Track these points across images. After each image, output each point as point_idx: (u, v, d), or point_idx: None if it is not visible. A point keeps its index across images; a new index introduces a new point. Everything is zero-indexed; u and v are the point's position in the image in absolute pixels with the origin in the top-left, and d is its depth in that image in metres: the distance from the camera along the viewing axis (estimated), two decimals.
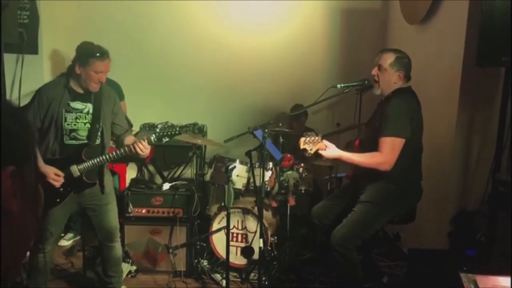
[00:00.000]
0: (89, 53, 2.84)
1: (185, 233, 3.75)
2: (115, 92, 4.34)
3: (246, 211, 3.70)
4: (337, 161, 3.14)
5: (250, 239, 3.69)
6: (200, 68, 4.98)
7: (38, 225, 0.68)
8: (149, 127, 4.53)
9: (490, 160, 3.05)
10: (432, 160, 3.30)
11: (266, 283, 3.49)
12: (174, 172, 4.89)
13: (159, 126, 4.53)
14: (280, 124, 4.15)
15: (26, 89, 4.02)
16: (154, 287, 3.64)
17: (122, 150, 2.89)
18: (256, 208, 3.64)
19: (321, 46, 5.03)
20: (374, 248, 3.69)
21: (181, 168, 4.86)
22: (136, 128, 4.20)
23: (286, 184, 3.76)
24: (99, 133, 2.97)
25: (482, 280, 1.87)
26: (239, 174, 3.75)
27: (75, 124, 2.90)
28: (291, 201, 3.67)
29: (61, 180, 2.82)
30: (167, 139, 2.99)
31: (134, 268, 3.75)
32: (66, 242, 4.34)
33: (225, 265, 3.35)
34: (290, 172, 3.81)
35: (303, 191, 3.83)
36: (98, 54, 2.82)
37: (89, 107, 2.94)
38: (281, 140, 4.10)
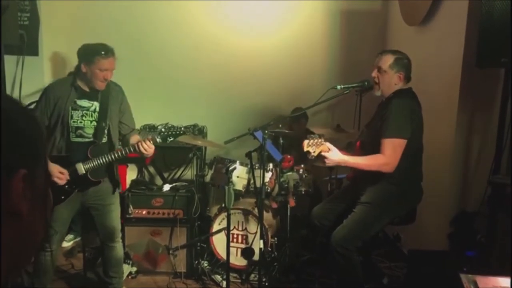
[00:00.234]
0: (93, 51, 2.87)
1: (185, 234, 3.75)
2: None
3: (246, 212, 3.71)
4: None
5: (250, 240, 3.69)
6: (200, 69, 4.99)
7: (46, 226, 0.68)
8: (149, 128, 4.54)
9: (490, 161, 3.05)
10: (432, 161, 3.30)
11: (267, 284, 3.49)
12: (175, 173, 4.89)
13: (159, 127, 4.56)
14: (280, 125, 4.16)
15: (26, 91, 4.03)
16: None
17: (127, 149, 2.91)
18: (256, 209, 3.65)
19: (321, 47, 5.03)
20: (374, 249, 3.69)
21: (182, 169, 4.85)
22: (137, 129, 4.20)
23: (286, 185, 3.76)
24: (105, 131, 2.99)
25: (482, 280, 1.87)
26: (239, 175, 3.76)
27: (81, 122, 2.92)
28: (291, 202, 3.67)
29: (65, 178, 2.83)
30: (171, 139, 3.02)
31: (134, 269, 3.76)
32: (66, 243, 4.34)
33: (225, 266, 3.35)
34: (290, 173, 3.82)
35: (303, 192, 3.83)
36: (102, 52, 2.85)
37: (95, 105, 2.97)
38: (281, 141, 4.10)
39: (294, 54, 5.00)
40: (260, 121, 3.86)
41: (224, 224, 3.59)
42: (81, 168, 2.88)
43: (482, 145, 3.37)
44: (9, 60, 3.84)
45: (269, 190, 3.75)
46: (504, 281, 1.89)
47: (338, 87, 3.12)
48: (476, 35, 2.90)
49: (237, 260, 3.72)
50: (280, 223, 4.00)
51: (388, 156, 2.77)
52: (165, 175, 4.87)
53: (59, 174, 2.80)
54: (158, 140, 2.95)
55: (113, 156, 2.91)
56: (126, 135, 3.14)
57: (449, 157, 3.47)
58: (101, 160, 2.90)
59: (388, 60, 2.91)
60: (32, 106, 3.12)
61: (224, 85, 5.03)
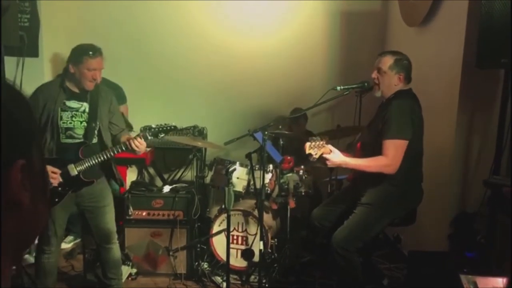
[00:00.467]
0: (81, 51, 2.87)
1: (185, 236, 3.75)
2: (117, 94, 4.39)
3: (246, 214, 3.70)
4: None
5: (250, 242, 3.69)
6: (200, 70, 4.99)
7: (47, 212, 0.68)
8: (149, 130, 4.53)
9: (489, 161, 3.05)
10: (432, 162, 3.30)
11: (267, 285, 3.49)
12: (175, 174, 4.89)
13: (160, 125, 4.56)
14: (280, 126, 4.16)
15: (26, 92, 4.02)
16: None
17: (118, 148, 2.91)
18: (256, 211, 3.64)
19: (321, 48, 5.03)
20: (374, 250, 3.69)
21: (182, 170, 4.85)
22: (136, 130, 4.20)
23: (286, 186, 3.76)
24: (96, 132, 2.98)
25: (482, 281, 1.87)
26: (239, 176, 3.76)
27: (70, 123, 2.91)
28: (291, 203, 3.67)
29: (58, 178, 2.82)
30: (162, 135, 3.04)
31: (134, 270, 3.75)
32: (66, 244, 4.34)
33: (225, 268, 3.35)
34: (290, 174, 3.82)
35: (303, 193, 3.83)
36: (90, 52, 2.85)
37: (85, 106, 2.95)
38: (281, 142, 4.10)
39: (294, 55, 5.00)
40: (260, 122, 3.86)
41: (224, 225, 3.59)
42: (73, 169, 2.86)
43: (482, 146, 3.37)
44: (9, 62, 3.84)
45: (269, 191, 3.75)
46: (503, 281, 1.89)
47: (338, 88, 3.12)
48: (476, 36, 2.90)
49: (237, 261, 3.72)
50: (280, 224, 4.00)
51: (390, 157, 2.77)
52: (165, 176, 4.87)
53: (51, 174, 2.79)
54: (150, 137, 2.95)
55: (104, 156, 2.91)
56: (116, 135, 3.12)
57: (449, 158, 3.47)
58: (93, 160, 2.89)
59: (388, 61, 2.91)
60: None
61: (224, 86, 5.03)
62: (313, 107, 3.25)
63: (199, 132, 4.59)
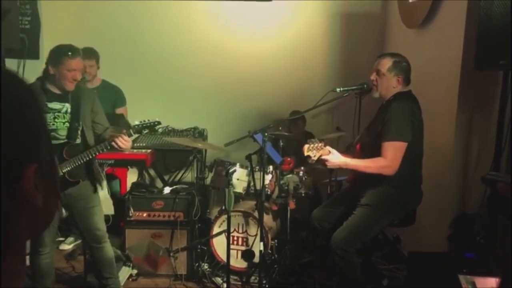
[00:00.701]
0: (60, 52, 2.86)
1: (185, 237, 3.76)
2: (117, 97, 4.41)
3: (246, 215, 3.71)
4: None
5: (250, 243, 3.70)
6: (201, 72, 5.00)
7: (58, 200, 0.69)
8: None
9: (489, 162, 3.06)
10: (431, 163, 3.31)
11: (267, 286, 3.50)
12: (175, 176, 4.90)
13: (160, 130, 4.58)
14: (280, 128, 4.17)
15: None
16: None
17: (103, 146, 2.90)
18: (256, 212, 3.65)
19: (320, 50, 5.05)
20: (374, 251, 3.69)
21: (182, 172, 4.86)
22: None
23: (286, 187, 3.77)
24: (79, 132, 2.97)
25: (480, 281, 1.88)
26: (239, 177, 3.77)
27: (53, 124, 2.90)
28: (291, 205, 3.68)
29: None
30: (146, 131, 3.04)
31: (135, 271, 3.76)
32: (67, 246, 4.35)
33: (225, 269, 3.36)
34: (290, 175, 3.83)
35: (303, 195, 3.84)
36: (69, 53, 2.83)
37: (67, 106, 2.94)
38: (281, 143, 4.11)
39: (294, 57, 5.01)
40: (260, 124, 3.87)
41: (224, 226, 3.60)
42: (59, 170, 2.87)
43: (481, 147, 3.38)
44: (10, 64, 3.84)
45: (269, 193, 3.76)
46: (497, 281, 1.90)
47: (338, 89, 3.14)
48: (475, 38, 2.91)
49: (237, 262, 3.72)
50: (280, 225, 4.00)
51: (389, 159, 2.78)
52: (166, 177, 4.88)
53: None
54: (134, 134, 2.97)
55: (89, 155, 2.90)
56: (100, 134, 3.10)
57: (448, 159, 3.48)
58: (78, 161, 2.88)
59: (386, 63, 2.92)
60: None
61: (224, 88, 5.05)
62: (312, 109, 3.26)
63: (199, 134, 4.61)
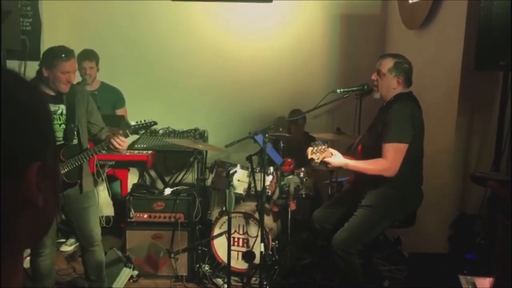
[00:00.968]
0: (53, 54, 2.85)
1: (186, 238, 3.76)
2: (116, 98, 4.42)
3: (247, 216, 3.72)
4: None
5: (251, 244, 3.70)
6: (201, 74, 5.01)
7: (58, 203, 0.68)
8: (150, 133, 4.55)
9: (489, 163, 3.06)
10: (431, 164, 3.31)
11: (267, 287, 3.50)
12: (176, 177, 4.91)
13: (161, 131, 4.59)
14: (281, 129, 4.18)
15: None
16: None
17: (100, 147, 2.91)
18: (257, 213, 3.65)
19: (321, 51, 5.05)
20: (375, 252, 3.69)
21: (183, 173, 4.87)
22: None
23: (286, 188, 3.77)
24: (75, 133, 2.97)
25: (480, 282, 1.88)
26: (240, 178, 3.77)
27: None
28: (292, 206, 3.68)
29: None
30: (143, 131, 3.04)
31: (136, 273, 3.76)
32: (68, 247, 4.36)
33: (226, 270, 3.37)
34: (290, 176, 3.83)
35: (303, 196, 3.84)
36: (63, 55, 2.82)
37: (62, 108, 2.94)
38: (282, 144, 4.12)
39: (294, 58, 5.02)
40: (260, 125, 3.88)
41: (225, 227, 3.60)
42: None
43: (481, 148, 3.38)
44: (11, 65, 3.86)
45: (269, 194, 3.76)
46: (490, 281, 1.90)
47: (338, 91, 3.15)
48: (475, 38, 2.92)
49: (238, 263, 3.72)
50: (281, 226, 4.00)
51: (389, 160, 2.79)
52: (166, 179, 4.88)
53: None
54: (130, 134, 2.96)
55: (86, 156, 2.91)
56: (96, 134, 3.11)
57: (448, 160, 3.48)
58: (75, 162, 2.89)
59: (387, 64, 2.93)
60: None
61: (224, 89, 5.05)
62: (313, 110, 3.27)
63: (200, 135, 4.61)
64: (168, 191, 3.90)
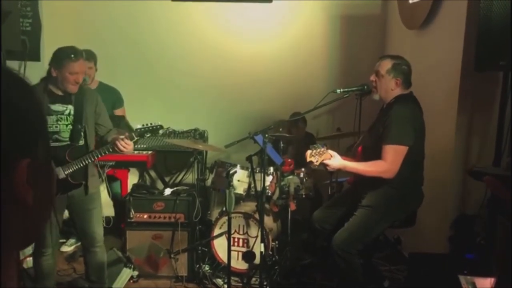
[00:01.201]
0: (62, 55, 2.84)
1: (186, 238, 3.76)
2: (114, 98, 4.42)
3: (247, 216, 3.72)
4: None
5: (251, 244, 3.70)
6: (201, 74, 5.01)
7: (52, 205, 0.68)
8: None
9: (489, 163, 3.06)
10: (431, 164, 3.31)
11: (268, 287, 3.50)
12: (176, 177, 4.90)
13: (160, 131, 4.58)
14: (281, 129, 4.17)
15: None
16: None
17: (105, 149, 2.91)
18: (257, 213, 3.65)
19: (321, 51, 5.05)
20: (375, 252, 3.69)
21: (183, 173, 4.87)
22: None
23: (286, 189, 3.77)
24: (82, 134, 2.97)
25: (480, 281, 1.88)
26: (240, 179, 3.77)
27: (56, 127, 2.90)
28: (292, 206, 3.68)
29: None
30: (149, 134, 3.04)
31: (136, 273, 3.76)
32: (68, 247, 4.36)
33: (226, 270, 3.36)
34: (290, 177, 3.83)
35: (303, 196, 3.84)
36: (72, 56, 2.81)
37: (70, 108, 2.94)
38: (282, 145, 4.12)
39: (294, 58, 5.02)
40: (260, 125, 3.88)
41: (225, 228, 3.60)
42: (61, 172, 2.86)
43: (481, 148, 3.38)
44: (11, 66, 3.85)
45: (269, 194, 3.76)
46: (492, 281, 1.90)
47: (338, 91, 3.15)
48: (474, 39, 2.92)
49: (238, 263, 3.72)
50: (281, 226, 4.00)
51: (389, 162, 2.79)
52: (166, 179, 4.88)
53: None
54: (136, 137, 2.97)
55: (92, 157, 2.91)
56: (103, 136, 3.11)
57: (449, 160, 3.48)
58: (80, 163, 2.89)
59: (386, 65, 2.93)
60: None
61: (224, 89, 5.05)
62: (313, 110, 3.27)
63: (200, 135, 4.61)
64: (168, 191, 3.90)
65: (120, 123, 4.15)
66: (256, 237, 3.66)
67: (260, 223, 3.37)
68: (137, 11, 4.90)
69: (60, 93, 2.92)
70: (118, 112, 4.41)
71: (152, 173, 4.97)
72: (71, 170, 2.88)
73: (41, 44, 4.28)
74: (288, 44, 5.00)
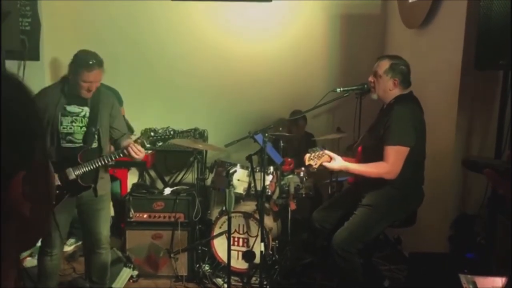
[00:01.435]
0: (79, 61, 2.86)
1: (186, 238, 3.76)
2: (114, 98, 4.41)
3: (247, 216, 3.71)
4: None
5: (251, 244, 3.70)
6: (201, 74, 5.01)
7: (52, 212, 0.67)
8: (147, 138, 4.54)
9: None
10: (432, 163, 3.31)
11: (268, 287, 3.49)
12: (175, 177, 4.91)
13: (160, 131, 4.58)
14: (281, 128, 4.17)
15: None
16: None
17: (116, 154, 2.91)
18: (257, 213, 3.65)
19: (321, 51, 5.05)
20: (375, 251, 3.69)
21: (182, 173, 4.87)
22: (137, 133, 4.22)
23: (287, 188, 3.77)
24: (95, 137, 2.98)
25: (481, 281, 1.88)
26: (240, 178, 3.77)
27: (70, 128, 2.91)
28: (292, 205, 3.68)
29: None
30: (160, 143, 3.05)
31: (135, 273, 3.76)
32: (68, 247, 4.35)
33: (226, 270, 3.36)
34: (290, 176, 3.83)
35: (304, 195, 3.84)
36: (88, 64, 2.81)
37: (85, 110, 2.95)
38: (282, 144, 4.11)
39: (294, 58, 5.02)
40: (260, 125, 3.88)
41: (225, 227, 3.60)
42: (71, 173, 2.86)
43: (481, 147, 3.37)
44: (11, 65, 3.86)
45: (269, 193, 3.76)
46: (502, 281, 1.90)
47: (338, 90, 3.14)
48: (474, 38, 2.91)
49: (238, 263, 3.72)
50: (281, 226, 4.00)
51: (390, 164, 2.78)
52: (166, 178, 4.88)
53: None
54: (148, 144, 2.97)
55: (103, 161, 2.91)
56: (117, 139, 3.12)
57: (449, 160, 3.48)
58: (91, 166, 2.89)
59: (384, 66, 2.92)
60: None
61: (224, 89, 5.05)
62: (313, 109, 3.27)
63: (200, 135, 4.61)
64: (168, 191, 3.90)
65: None
66: (256, 236, 3.66)
67: (260, 223, 3.37)
68: (137, 11, 4.90)
69: (76, 94, 2.92)
70: None
71: (152, 173, 4.97)
72: (81, 172, 2.88)
73: (40, 44, 4.28)
74: (288, 43, 5.00)
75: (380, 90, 2.96)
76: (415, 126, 2.84)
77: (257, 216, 3.63)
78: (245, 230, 3.74)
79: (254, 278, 3.69)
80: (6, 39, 3.13)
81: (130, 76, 4.90)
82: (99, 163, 2.91)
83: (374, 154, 2.87)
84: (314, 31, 5.02)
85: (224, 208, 3.68)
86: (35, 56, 4.20)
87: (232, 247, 3.59)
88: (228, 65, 5.00)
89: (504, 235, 2.81)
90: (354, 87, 3.18)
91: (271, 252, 3.67)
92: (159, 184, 4.85)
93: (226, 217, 3.31)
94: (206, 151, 4.52)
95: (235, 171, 3.67)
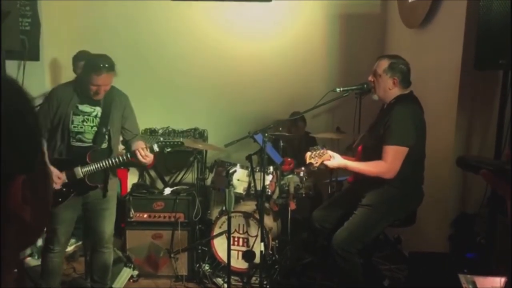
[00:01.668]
0: (89, 65, 2.88)
1: (186, 238, 3.77)
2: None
3: (247, 215, 3.72)
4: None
5: (251, 243, 3.70)
6: (201, 74, 5.01)
7: (50, 213, 0.68)
8: (150, 133, 4.55)
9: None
10: (432, 163, 3.31)
11: (268, 287, 3.50)
12: (175, 177, 4.90)
13: (160, 131, 4.59)
14: (280, 128, 4.17)
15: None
16: None
17: (125, 156, 2.93)
18: (257, 212, 3.65)
19: (320, 51, 5.05)
20: (375, 251, 3.69)
21: (182, 173, 4.87)
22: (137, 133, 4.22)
23: (286, 188, 3.77)
24: (106, 137, 2.99)
25: (480, 281, 1.88)
26: (239, 178, 3.77)
27: (81, 127, 2.93)
28: (292, 205, 3.68)
29: (61, 182, 2.86)
30: (169, 149, 3.08)
31: (136, 272, 3.76)
32: (68, 247, 4.34)
33: (226, 269, 3.36)
34: (290, 176, 3.83)
35: (303, 195, 3.84)
36: (97, 67, 2.82)
37: (97, 110, 2.97)
38: (281, 144, 4.11)
39: (294, 58, 5.02)
40: (260, 125, 3.88)
41: (225, 227, 3.60)
42: (79, 172, 2.88)
43: (481, 147, 3.37)
44: (11, 65, 3.86)
45: (269, 193, 3.76)
46: (502, 281, 1.89)
47: (337, 89, 3.14)
48: (474, 37, 2.91)
49: (238, 263, 3.72)
50: (281, 226, 4.00)
51: (389, 163, 2.78)
52: (166, 178, 4.88)
53: (56, 179, 2.82)
54: (156, 149, 2.99)
55: (111, 162, 2.92)
56: (128, 140, 3.14)
57: (449, 159, 3.48)
58: (99, 165, 2.90)
59: (383, 65, 2.92)
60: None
61: (224, 89, 5.05)
62: (312, 109, 3.27)
63: (199, 135, 4.61)
64: (168, 190, 3.90)
65: None
66: (256, 236, 3.66)
67: (260, 222, 3.37)
68: (137, 11, 4.89)
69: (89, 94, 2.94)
70: None
71: (152, 173, 4.96)
72: (89, 172, 2.89)
73: (40, 44, 4.27)
74: (288, 43, 5.00)
75: (380, 90, 2.96)
76: (415, 125, 2.84)
77: (257, 216, 3.63)
78: (245, 230, 3.74)
79: (254, 278, 3.69)
80: (6, 39, 3.13)
81: (130, 76, 4.89)
82: (107, 164, 2.92)
83: (374, 154, 2.87)
84: (314, 31, 5.02)
85: (224, 208, 3.68)
86: (35, 56, 4.20)
87: (232, 247, 3.59)
88: (228, 65, 5.00)
89: (504, 235, 2.81)
90: (353, 87, 3.18)
91: (271, 252, 3.67)
92: (159, 184, 4.85)
93: (226, 217, 3.31)
94: (206, 151, 4.52)
95: (235, 171, 3.67)
